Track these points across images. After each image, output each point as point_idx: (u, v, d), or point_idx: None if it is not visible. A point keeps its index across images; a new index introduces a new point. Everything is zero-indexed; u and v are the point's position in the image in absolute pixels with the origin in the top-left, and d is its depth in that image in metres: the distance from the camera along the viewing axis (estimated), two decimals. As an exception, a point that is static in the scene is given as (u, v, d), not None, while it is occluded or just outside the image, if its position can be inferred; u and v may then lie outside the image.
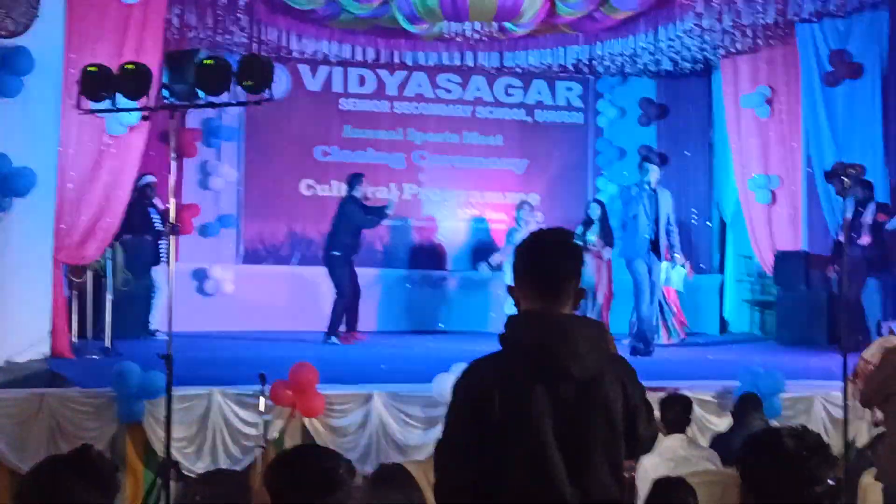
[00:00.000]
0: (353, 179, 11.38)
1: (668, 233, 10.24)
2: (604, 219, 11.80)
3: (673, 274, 11.33)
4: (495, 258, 12.01)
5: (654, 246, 10.12)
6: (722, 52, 12.54)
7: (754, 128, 12.65)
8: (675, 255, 10.63)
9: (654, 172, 10.23)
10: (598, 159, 14.23)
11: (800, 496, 2.77)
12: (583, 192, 13.91)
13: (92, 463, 2.51)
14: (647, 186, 10.14)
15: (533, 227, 11.46)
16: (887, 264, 10.61)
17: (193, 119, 12.53)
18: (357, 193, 11.31)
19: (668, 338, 11.64)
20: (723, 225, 14.04)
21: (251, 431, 6.88)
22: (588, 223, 11.78)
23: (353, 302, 11.19)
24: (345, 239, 11.09)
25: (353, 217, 11.12)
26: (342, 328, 11.07)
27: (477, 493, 2.79)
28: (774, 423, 7.27)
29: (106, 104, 6.54)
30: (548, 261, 2.88)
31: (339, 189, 13.30)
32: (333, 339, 10.92)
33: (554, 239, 2.92)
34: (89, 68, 6.59)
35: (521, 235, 11.24)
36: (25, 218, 8.00)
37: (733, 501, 5.14)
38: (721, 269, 13.97)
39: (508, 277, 10.54)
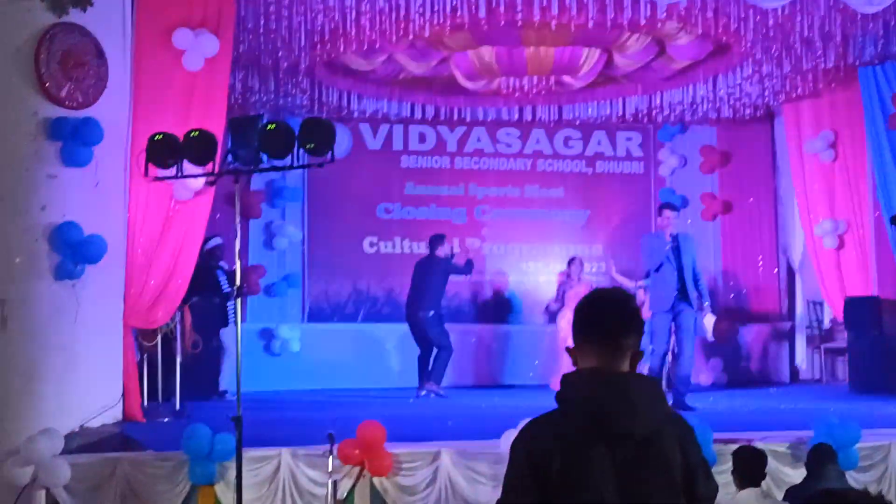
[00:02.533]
0: (436, 240, 11.60)
1: (695, 281, 9.83)
2: None
3: (704, 323, 11.02)
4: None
5: (684, 295, 9.73)
6: (783, 97, 12.45)
7: (819, 173, 12.52)
8: (704, 303, 10.02)
9: (670, 219, 9.90)
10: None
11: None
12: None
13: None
14: (666, 236, 9.83)
15: (584, 282, 11.57)
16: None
17: (258, 181, 12.72)
18: (441, 254, 11.52)
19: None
20: (790, 272, 13.85)
21: (320, 491, 6.87)
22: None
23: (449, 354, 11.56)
24: (435, 297, 11.47)
25: (440, 275, 11.53)
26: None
27: None
28: (851, 473, 7.12)
29: (172, 171, 6.69)
30: (605, 319, 2.88)
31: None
32: (434, 388, 11.18)
33: (611, 297, 2.92)
34: (156, 136, 6.74)
35: (572, 290, 11.29)
36: (96, 284, 8.13)
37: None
38: (791, 317, 13.76)
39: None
